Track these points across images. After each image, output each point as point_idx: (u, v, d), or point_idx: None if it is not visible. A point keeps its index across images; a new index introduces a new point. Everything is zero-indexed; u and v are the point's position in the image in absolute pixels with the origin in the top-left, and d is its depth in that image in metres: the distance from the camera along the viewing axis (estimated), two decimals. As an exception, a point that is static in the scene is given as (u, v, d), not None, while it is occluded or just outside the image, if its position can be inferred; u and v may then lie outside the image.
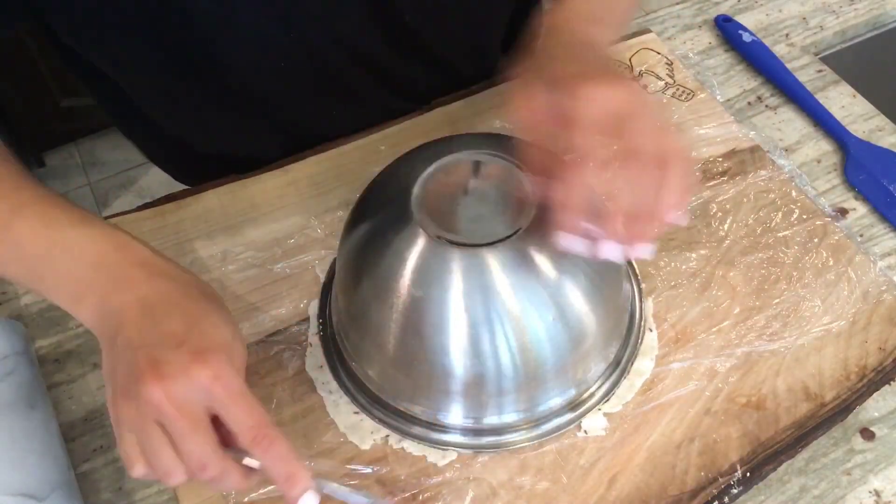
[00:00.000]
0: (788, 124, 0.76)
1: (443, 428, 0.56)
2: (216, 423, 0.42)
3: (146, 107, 0.70)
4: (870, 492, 0.55)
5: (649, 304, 0.62)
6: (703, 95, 0.76)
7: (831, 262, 0.64)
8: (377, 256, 0.52)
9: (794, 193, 0.69)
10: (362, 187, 0.58)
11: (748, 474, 0.54)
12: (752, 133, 0.74)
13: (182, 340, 0.42)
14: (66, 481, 0.53)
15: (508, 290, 0.49)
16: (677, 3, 0.87)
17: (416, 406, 0.56)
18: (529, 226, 0.50)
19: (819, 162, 0.73)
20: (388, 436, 0.56)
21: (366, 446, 0.55)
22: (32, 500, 0.50)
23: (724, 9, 0.86)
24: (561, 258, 0.51)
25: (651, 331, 0.61)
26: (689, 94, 0.76)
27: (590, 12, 0.55)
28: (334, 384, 0.58)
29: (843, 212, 0.69)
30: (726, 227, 0.66)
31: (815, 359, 0.59)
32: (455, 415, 0.55)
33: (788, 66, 0.79)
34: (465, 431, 0.56)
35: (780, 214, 0.67)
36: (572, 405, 0.56)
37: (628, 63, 0.78)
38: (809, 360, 0.59)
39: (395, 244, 0.51)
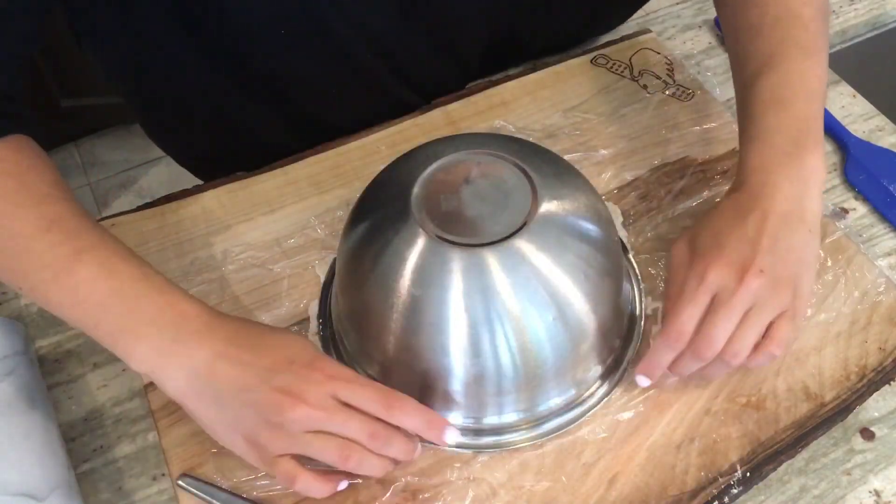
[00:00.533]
0: (788, 124, 0.76)
1: (443, 428, 0.56)
2: None
3: (172, 98, 0.72)
4: (870, 492, 0.55)
5: (649, 304, 0.62)
6: (703, 95, 0.76)
7: (831, 262, 0.64)
8: (377, 256, 0.52)
9: (794, 193, 0.69)
10: (362, 187, 0.58)
11: (748, 474, 0.54)
12: (752, 133, 0.74)
13: (290, 360, 0.48)
14: (66, 481, 0.53)
15: (508, 290, 0.49)
16: (677, 3, 0.87)
17: (416, 406, 0.56)
18: (529, 226, 0.50)
19: (819, 162, 0.73)
20: (388, 436, 0.56)
21: (366, 446, 0.55)
22: (32, 500, 0.50)
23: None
24: (561, 258, 0.51)
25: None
26: (689, 94, 0.76)
27: (784, 141, 0.54)
28: (334, 384, 0.58)
29: (843, 212, 0.69)
30: (726, 227, 0.66)
31: (815, 359, 0.59)
32: (455, 415, 0.55)
33: (788, 66, 0.79)
34: (465, 431, 0.56)
35: (780, 214, 0.67)
36: (572, 405, 0.56)
37: (628, 63, 0.78)
38: (809, 360, 0.59)
39: (395, 244, 0.51)
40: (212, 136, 0.78)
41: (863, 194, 0.70)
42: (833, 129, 0.74)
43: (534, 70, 0.78)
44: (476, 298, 0.49)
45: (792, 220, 0.52)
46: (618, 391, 0.58)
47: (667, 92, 0.76)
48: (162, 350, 0.48)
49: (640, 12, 0.85)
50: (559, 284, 0.51)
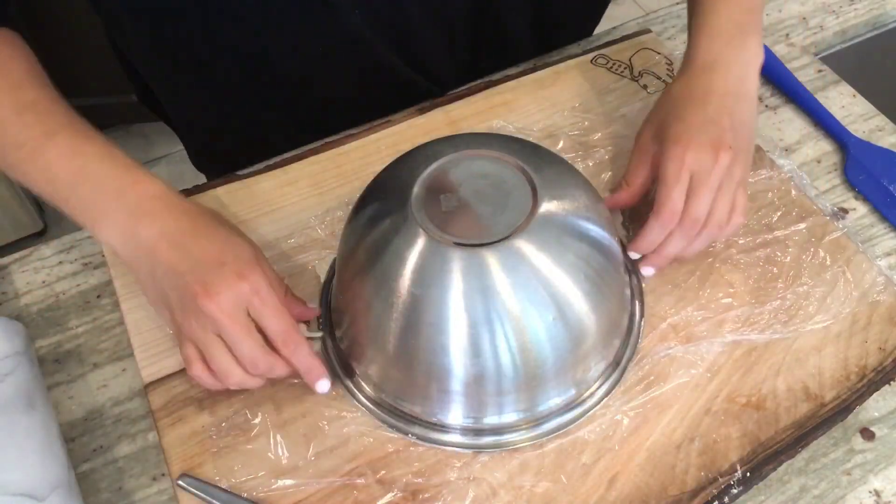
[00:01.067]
0: (788, 124, 0.76)
1: (443, 428, 0.56)
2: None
3: (191, 90, 0.74)
4: (870, 492, 0.55)
5: (649, 304, 0.62)
6: (703, 95, 0.76)
7: (830, 262, 0.64)
8: (377, 256, 0.52)
9: (793, 193, 0.69)
10: (362, 187, 0.58)
11: (748, 474, 0.54)
12: (752, 133, 0.74)
13: (221, 262, 0.51)
14: (66, 481, 0.53)
15: (508, 290, 0.49)
16: (677, 3, 0.87)
17: (416, 406, 0.56)
18: (529, 226, 0.50)
19: (819, 162, 0.73)
20: (388, 436, 0.56)
21: (366, 446, 0.55)
22: (32, 500, 0.50)
23: (724, 9, 0.86)
24: (561, 258, 0.51)
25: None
26: (689, 94, 0.76)
27: (730, 28, 0.61)
28: (334, 384, 0.58)
29: (843, 212, 0.69)
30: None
31: (815, 359, 0.59)
32: (455, 415, 0.55)
33: (788, 66, 0.79)
34: (465, 431, 0.56)
35: (779, 214, 0.67)
36: (572, 405, 0.56)
37: (628, 63, 0.78)
38: (809, 360, 0.59)
39: (395, 244, 0.51)
40: (222, 135, 0.78)
41: (863, 194, 0.70)
42: (833, 129, 0.74)
43: (534, 70, 0.78)
44: (476, 298, 0.49)
45: (741, 97, 0.60)
46: (618, 391, 0.58)
47: (667, 92, 0.76)
48: (118, 223, 0.52)
49: (639, 12, 0.85)
50: (559, 284, 0.51)
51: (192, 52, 0.69)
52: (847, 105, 0.77)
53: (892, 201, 0.69)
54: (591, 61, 0.79)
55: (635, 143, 0.64)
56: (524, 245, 0.50)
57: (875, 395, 0.58)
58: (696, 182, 0.56)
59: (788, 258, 0.65)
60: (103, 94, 1.86)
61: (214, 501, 0.53)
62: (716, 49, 0.61)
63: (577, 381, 0.56)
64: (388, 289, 0.51)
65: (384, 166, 0.59)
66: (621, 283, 0.58)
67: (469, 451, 0.55)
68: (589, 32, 0.85)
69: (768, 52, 0.79)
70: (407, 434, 0.56)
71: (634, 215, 0.65)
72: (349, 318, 0.56)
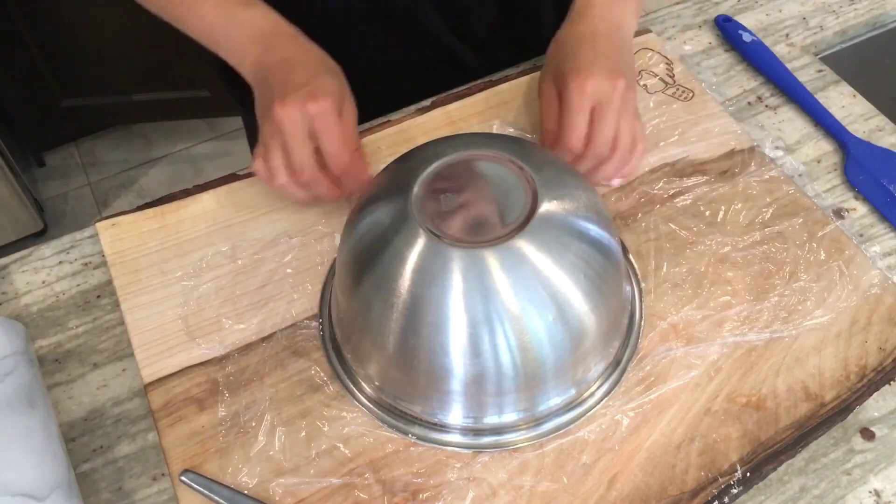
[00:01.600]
0: (788, 124, 0.76)
1: (443, 428, 0.56)
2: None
3: None
4: (870, 492, 0.55)
5: (649, 304, 0.62)
6: (703, 95, 0.76)
7: (831, 262, 0.64)
8: (377, 256, 0.52)
9: (793, 193, 0.69)
10: (362, 187, 0.58)
11: (748, 474, 0.54)
12: (751, 133, 0.74)
13: (303, 85, 0.59)
14: (66, 481, 0.53)
15: (508, 289, 0.49)
16: (677, 3, 0.87)
17: (416, 406, 0.56)
18: (529, 226, 0.50)
19: (819, 162, 0.73)
20: (388, 436, 0.56)
21: (366, 446, 0.55)
22: (32, 500, 0.50)
23: (724, 9, 0.86)
24: (561, 258, 0.51)
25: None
26: (689, 94, 0.76)
27: None
28: (334, 384, 0.58)
29: (843, 212, 0.69)
30: (726, 226, 0.67)
31: (815, 359, 0.59)
32: (455, 415, 0.55)
33: (788, 66, 0.79)
34: (465, 431, 0.56)
35: (779, 214, 0.67)
36: (572, 405, 0.56)
37: (628, 63, 0.78)
38: (809, 360, 0.59)
39: (395, 244, 0.51)
40: None
41: (863, 194, 0.70)
42: (833, 129, 0.74)
43: (534, 70, 0.78)
44: (476, 298, 0.49)
45: (623, 35, 0.67)
46: (618, 391, 0.58)
47: (667, 92, 0.76)
48: (254, 57, 0.63)
49: (640, 12, 0.84)
50: (559, 284, 0.51)
51: None
52: (847, 105, 0.77)
53: (892, 201, 0.69)
54: (591, 61, 0.79)
55: (539, 96, 0.68)
56: (524, 245, 0.50)
57: (875, 395, 0.58)
58: (600, 109, 0.61)
59: (787, 256, 0.65)
60: (104, 94, 1.86)
61: (216, 498, 0.53)
62: None
63: (577, 381, 0.56)
64: (388, 289, 0.51)
65: (384, 166, 0.59)
66: (621, 283, 0.58)
67: (469, 451, 0.55)
68: None
69: (768, 52, 0.80)
70: (407, 434, 0.56)
71: None
72: (349, 318, 0.56)
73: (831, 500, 0.55)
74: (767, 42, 0.81)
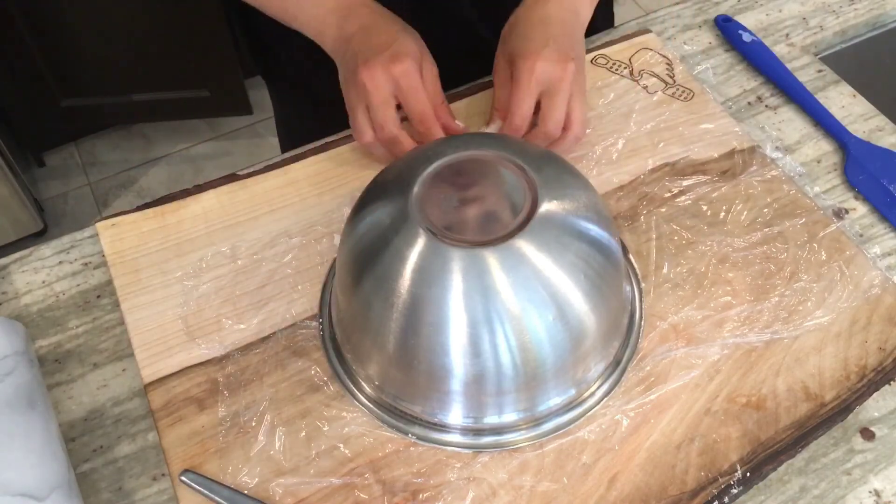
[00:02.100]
0: (788, 124, 0.76)
1: (443, 428, 0.56)
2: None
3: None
4: (870, 492, 0.55)
5: (649, 304, 0.62)
6: (703, 95, 0.76)
7: (831, 262, 0.64)
8: (377, 256, 0.52)
9: (793, 193, 0.69)
10: (362, 187, 0.58)
11: (748, 474, 0.54)
12: (751, 133, 0.74)
13: (385, 48, 0.62)
14: (66, 481, 0.53)
15: (508, 289, 0.49)
16: (677, 3, 0.87)
17: (416, 406, 0.56)
18: (529, 226, 0.50)
19: (819, 162, 0.73)
20: (388, 436, 0.56)
21: (366, 446, 0.55)
22: (32, 500, 0.50)
23: (724, 9, 0.86)
24: (561, 258, 0.51)
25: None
26: (688, 94, 0.76)
27: None
28: (334, 384, 0.58)
29: (843, 212, 0.69)
30: (726, 227, 0.67)
31: (815, 359, 0.59)
32: (455, 415, 0.55)
33: (788, 66, 0.79)
34: (465, 431, 0.56)
35: (779, 214, 0.67)
36: (572, 405, 0.56)
37: (628, 63, 0.78)
38: (809, 360, 0.59)
39: (395, 244, 0.51)
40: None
41: (863, 194, 0.70)
42: (833, 129, 0.74)
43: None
44: (476, 298, 0.49)
45: (578, 21, 0.69)
46: (618, 391, 0.58)
47: (667, 92, 0.76)
48: (333, 27, 0.66)
49: (639, 12, 0.85)
50: (559, 284, 0.51)
51: None
52: (847, 105, 0.77)
53: (892, 201, 0.69)
54: (591, 61, 0.79)
55: (494, 74, 0.70)
56: (524, 245, 0.50)
57: (875, 395, 0.58)
58: (550, 91, 0.64)
59: (787, 257, 0.65)
60: (104, 94, 1.86)
61: (216, 498, 0.53)
62: None
63: (577, 381, 0.56)
64: (388, 288, 0.51)
65: (384, 166, 0.59)
66: (621, 283, 0.58)
67: (469, 451, 0.55)
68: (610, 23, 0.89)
69: (768, 52, 0.80)
70: (407, 434, 0.56)
71: None
72: (349, 318, 0.56)
73: (831, 500, 0.55)
74: (767, 42, 0.81)
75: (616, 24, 0.86)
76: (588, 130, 0.69)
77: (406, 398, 0.56)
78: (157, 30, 1.72)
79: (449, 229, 0.51)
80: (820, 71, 0.80)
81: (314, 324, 0.61)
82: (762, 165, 0.70)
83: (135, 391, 0.60)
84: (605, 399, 0.57)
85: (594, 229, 0.54)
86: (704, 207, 0.68)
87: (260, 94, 1.84)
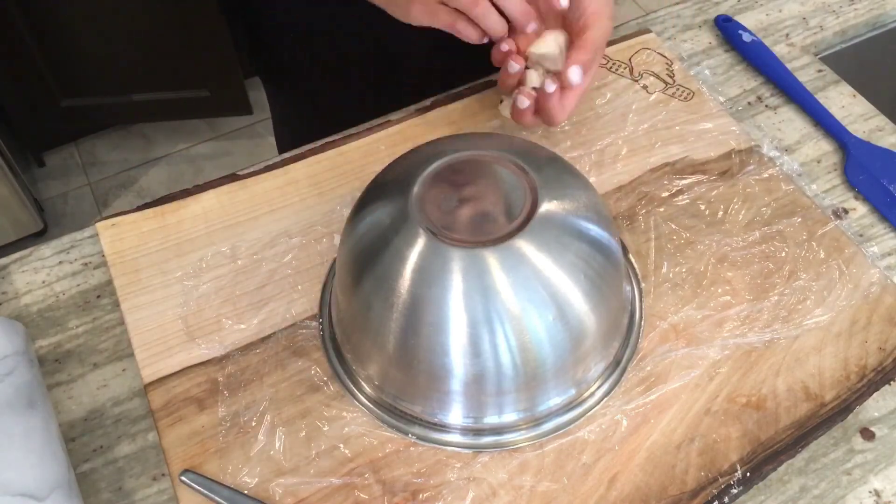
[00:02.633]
0: (788, 124, 0.76)
1: (443, 428, 0.56)
2: None
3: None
4: (870, 492, 0.55)
5: (649, 304, 0.62)
6: (703, 95, 0.76)
7: (830, 261, 0.64)
8: (377, 256, 0.52)
9: (792, 192, 0.69)
10: (362, 187, 0.58)
11: (748, 474, 0.54)
12: (751, 133, 0.74)
13: None
14: (66, 481, 0.53)
15: (508, 289, 0.49)
16: (677, 3, 0.87)
17: (416, 406, 0.56)
18: (529, 226, 0.50)
19: (819, 162, 0.73)
20: (388, 436, 0.56)
21: (366, 446, 0.55)
22: (32, 500, 0.50)
23: (724, 9, 0.86)
24: (561, 258, 0.51)
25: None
26: (689, 94, 0.76)
27: None
28: (334, 384, 0.58)
29: (842, 211, 0.69)
30: (726, 226, 0.67)
31: (815, 359, 0.59)
32: (455, 415, 0.55)
33: (788, 66, 0.79)
34: (465, 431, 0.56)
35: (778, 214, 0.67)
36: (572, 405, 0.56)
37: (628, 63, 0.78)
38: (809, 360, 0.59)
39: (395, 244, 0.51)
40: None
41: (863, 194, 0.70)
42: (833, 129, 0.74)
43: (534, 70, 0.78)
44: (476, 298, 0.49)
45: None
46: (618, 391, 0.58)
47: (666, 92, 0.76)
48: None
49: (639, 12, 0.85)
50: (559, 284, 0.51)
51: None
52: (847, 105, 0.77)
53: (892, 201, 0.69)
54: (591, 61, 0.79)
55: None
56: (524, 245, 0.50)
57: (875, 395, 0.58)
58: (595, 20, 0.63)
59: (786, 255, 0.65)
60: (104, 94, 1.86)
61: (216, 498, 0.53)
62: None
63: (577, 381, 0.56)
64: (388, 288, 0.51)
65: (384, 166, 0.59)
66: (621, 283, 0.58)
67: (469, 451, 0.55)
68: None
69: (768, 52, 0.80)
70: (407, 434, 0.56)
71: None
72: (349, 318, 0.56)
73: (831, 500, 0.55)
74: (767, 42, 0.81)
75: (616, 24, 0.86)
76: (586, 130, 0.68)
77: (406, 398, 0.56)
78: (157, 30, 1.72)
79: (449, 229, 0.51)
80: (820, 71, 0.80)
81: (314, 324, 0.61)
82: (760, 165, 0.70)
83: (135, 391, 0.60)
84: (605, 399, 0.57)
85: (594, 229, 0.54)
86: (703, 207, 0.68)
87: (260, 94, 1.83)
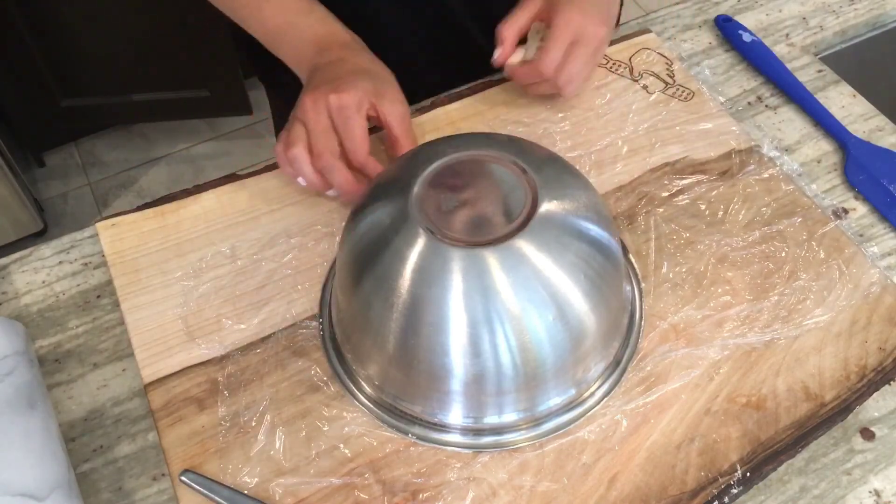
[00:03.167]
0: (788, 124, 0.76)
1: (443, 428, 0.56)
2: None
3: None
4: (870, 492, 0.55)
5: (649, 304, 0.62)
6: (703, 95, 0.76)
7: (830, 261, 0.64)
8: (377, 256, 0.52)
9: (792, 192, 0.69)
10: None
11: (748, 474, 0.54)
12: (751, 133, 0.74)
13: (333, 80, 0.63)
14: (66, 481, 0.53)
15: (508, 289, 0.49)
16: (677, 3, 0.87)
17: (416, 406, 0.56)
18: (529, 226, 0.50)
19: (819, 162, 0.73)
20: (388, 436, 0.56)
21: (366, 446, 0.55)
22: (32, 500, 0.50)
23: (724, 9, 0.86)
24: (561, 258, 0.51)
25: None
26: (689, 94, 0.76)
27: None
28: (334, 384, 0.58)
29: (843, 212, 0.69)
30: (726, 226, 0.67)
31: (815, 359, 0.59)
32: (455, 415, 0.55)
33: (788, 66, 0.79)
34: (465, 431, 0.56)
35: (778, 213, 0.67)
36: (572, 405, 0.56)
37: (628, 63, 0.78)
38: (809, 360, 0.59)
39: (395, 244, 0.51)
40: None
41: (863, 194, 0.70)
42: (833, 129, 0.74)
43: (534, 70, 0.78)
44: (476, 298, 0.49)
45: None
46: (618, 391, 0.58)
47: (666, 92, 0.76)
48: (310, 60, 0.67)
49: (639, 12, 0.85)
50: (559, 284, 0.51)
51: None
52: (847, 105, 0.77)
53: (892, 201, 0.69)
54: (591, 61, 0.79)
55: (523, 2, 0.71)
56: (524, 245, 0.50)
57: (875, 395, 0.58)
58: (578, 44, 0.67)
59: (786, 255, 0.65)
60: (104, 94, 1.86)
61: (216, 498, 0.53)
62: None
63: (577, 381, 0.56)
64: (388, 288, 0.51)
65: (384, 166, 0.59)
66: (621, 283, 0.58)
67: (469, 451, 0.55)
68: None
69: (768, 52, 0.80)
70: (407, 434, 0.56)
71: None
72: (349, 318, 0.56)
73: (831, 500, 0.55)
74: (767, 42, 0.81)
75: (616, 24, 0.86)
76: (585, 130, 0.69)
77: (406, 398, 0.56)
78: (157, 30, 1.72)
79: (449, 229, 0.51)
80: (820, 71, 0.80)
81: (314, 324, 0.61)
82: (760, 165, 0.70)
83: (135, 391, 0.60)
84: (605, 399, 0.57)
85: (594, 229, 0.54)
86: (703, 207, 0.68)
87: (260, 94, 1.83)
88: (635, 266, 0.64)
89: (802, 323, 0.61)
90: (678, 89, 0.76)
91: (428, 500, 0.53)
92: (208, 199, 0.69)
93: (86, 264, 0.67)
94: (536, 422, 0.56)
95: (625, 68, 0.78)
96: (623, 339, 0.59)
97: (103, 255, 0.66)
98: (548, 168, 0.55)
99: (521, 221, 0.51)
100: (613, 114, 0.74)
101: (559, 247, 0.51)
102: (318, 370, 0.59)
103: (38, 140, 1.96)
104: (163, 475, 0.56)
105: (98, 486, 0.56)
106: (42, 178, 1.97)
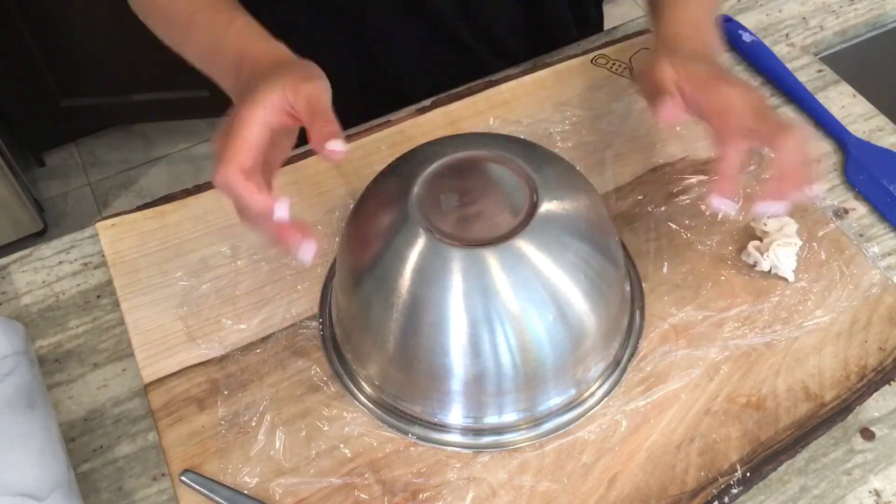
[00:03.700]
0: (788, 124, 0.76)
1: (443, 428, 0.56)
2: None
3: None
4: (870, 492, 0.55)
5: (649, 304, 0.62)
6: (703, 95, 0.76)
7: (830, 262, 0.64)
8: (377, 256, 0.52)
9: (794, 193, 0.69)
10: (362, 187, 0.58)
11: (748, 474, 0.54)
12: (752, 133, 0.74)
13: (243, 92, 0.56)
14: (66, 481, 0.53)
15: (508, 289, 0.49)
16: (677, 3, 0.87)
17: (416, 406, 0.56)
18: (529, 226, 0.50)
19: (819, 162, 0.73)
20: (388, 436, 0.56)
21: (366, 446, 0.55)
22: (32, 500, 0.50)
23: (724, 9, 0.86)
24: (561, 258, 0.51)
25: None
26: (689, 94, 0.76)
27: (695, 19, 0.66)
28: (334, 384, 0.58)
29: (843, 212, 0.69)
30: (726, 226, 0.67)
31: (815, 359, 0.59)
32: (455, 414, 0.55)
33: (788, 66, 0.79)
34: (465, 431, 0.56)
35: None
36: (572, 405, 0.56)
37: (628, 63, 0.78)
38: (809, 360, 0.59)
39: (395, 244, 0.51)
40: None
41: (863, 194, 0.70)
42: (833, 129, 0.74)
43: (534, 70, 0.78)
44: (476, 298, 0.49)
45: (721, 54, 0.68)
46: (618, 391, 0.58)
47: (667, 92, 0.76)
48: (241, 81, 0.60)
49: (639, 12, 0.85)
50: (559, 284, 0.51)
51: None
52: (847, 105, 0.77)
53: (892, 201, 0.69)
54: (592, 61, 0.79)
55: (651, 72, 0.62)
56: (524, 245, 0.50)
57: (875, 395, 0.58)
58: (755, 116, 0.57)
59: (788, 258, 0.65)
60: (104, 94, 1.86)
61: (216, 498, 0.53)
62: (696, 24, 0.66)
63: (577, 381, 0.56)
64: (388, 288, 0.51)
65: (384, 166, 0.59)
66: (621, 283, 0.58)
67: (469, 451, 0.55)
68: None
69: (768, 53, 0.80)
70: (407, 434, 0.56)
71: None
72: (349, 318, 0.56)
73: (831, 500, 0.55)
74: (767, 42, 0.81)
75: (616, 24, 0.86)
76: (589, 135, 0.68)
77: (406, 398, 0.56)
78: (156, 30, 1.72)
79: (449, 229, 0.51)
80: (820, 71, 0.80)
81: (314, 324, 0.61)
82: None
83: (135, 391, 0.60)
84: (605, 399, 0.57)
85: (594, 229, 0.54)
86: (704, 207, 0.68)
87: (260, 94, 1.83)
88: (635, 266, 0.64)
89: (803, 323, 0.61)
90: (678, 89, 0.76)
91: (428, 500, 0.53)
92: (208, 199, 0.69)
93: (86, 264, 0.67)
94: (536, 422, 0.56)
95: (625, 68, 0.78)
96: (623, 340, 0.59)
97: (103, 255, 0.66)
98: (548, 168, 0.55)
99: (521, 221, 0.51)
100: (614, 114, 0.74)
101: (559, 247, 0.51)
102: (318, 370, 0.59)
103: (38, 140, 1.96)
104: (163, 475, 0.56)
105: (98, 486, 0.56)
106: (42, 178, 1.97)
